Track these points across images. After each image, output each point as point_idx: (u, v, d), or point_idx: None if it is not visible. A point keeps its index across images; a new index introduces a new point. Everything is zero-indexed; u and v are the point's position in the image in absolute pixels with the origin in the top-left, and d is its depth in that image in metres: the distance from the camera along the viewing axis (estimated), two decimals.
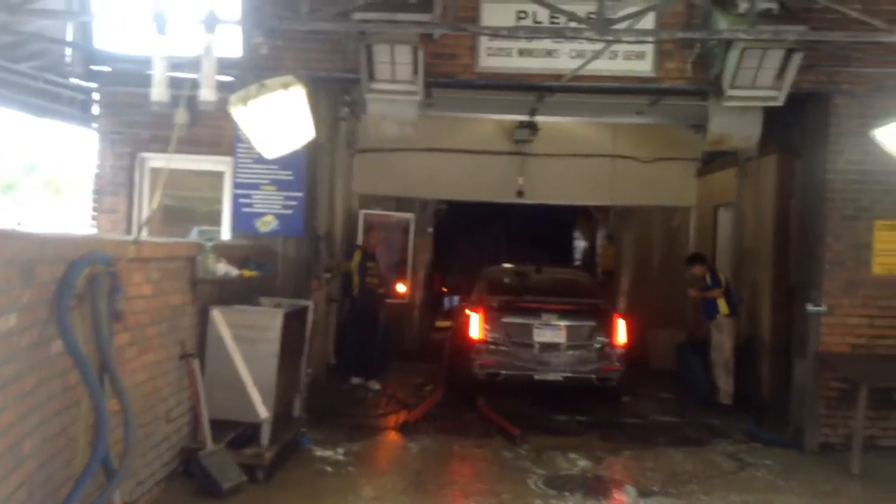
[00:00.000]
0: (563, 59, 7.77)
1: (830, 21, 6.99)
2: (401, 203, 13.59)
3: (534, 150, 12.74)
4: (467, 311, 10.34)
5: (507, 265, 12.60)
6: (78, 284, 4.03)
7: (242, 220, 8.24)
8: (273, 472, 6.49)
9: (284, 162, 7.71)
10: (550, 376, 9.45)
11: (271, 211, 8.23)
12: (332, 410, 8.93)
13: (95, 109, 8.84)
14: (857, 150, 7.84)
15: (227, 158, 8.35)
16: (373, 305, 10.77)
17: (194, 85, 5.39)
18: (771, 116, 8.00)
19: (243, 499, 5.97)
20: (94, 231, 8.57)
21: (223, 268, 6.51)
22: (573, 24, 6.27)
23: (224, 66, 7.11)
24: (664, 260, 14.56)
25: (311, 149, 8.13)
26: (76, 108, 8.70)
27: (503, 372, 9.46)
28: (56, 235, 4.36)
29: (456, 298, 14.70)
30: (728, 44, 7.26)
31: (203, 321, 6.50)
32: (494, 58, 7.85)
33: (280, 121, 5.67)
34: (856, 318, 8.01)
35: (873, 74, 7.71)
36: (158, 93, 5.08)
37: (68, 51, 8.50)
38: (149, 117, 7.82)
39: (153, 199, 6.35)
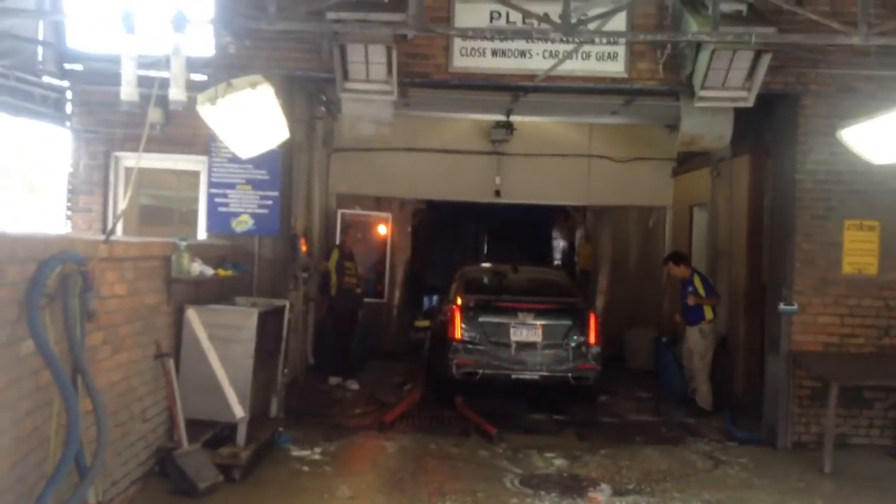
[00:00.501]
0: (537, 59, 7.83)
1: (799, 23, 7.07)
2: (379, 202, 13.62)
3: (511, 150, 12.83)
4: (444, 311, 10.38)
5: (484, 265, 12.66)
6: (49, 284, 4.03)
7: (218, 219, 8.23)
8: (249, 472, 6.48)
9: (260, 161, 7.75)
10: (527, 375, 9.48)
11: (247, 210, 8.22)
12: (310, 410, 8.94)
13: (69, 108, 8.81)
14: (825, 150, 7.96)
15: (203, 158, 8.35)
16: (351, 305, 10.78)
17: (166, 84, 5.39)
18: (743, 116, 8.11)
19: (219, 498, 5.96)
20: (68, 230, 8.53)
21: (198, 267, 6.51)
22: (542, 26, 6.31)
23: (197, 65, 7.16)
24: (641, 259, 14.66)
25: (287, 148, 8.16)
26: (49, 106, 8.64)
27: (480, 371, 9.47)
28: (26, 235, 4.35)
29: (435, 298, 14.72)
30: (699, 45, 7.34)
31: (178, 321, 6.50)
32: (468, 58, 7.90)
33: (250, 120, 5.69)
34: (827, 316, 8.11)
35: (840, 75, 7.84)
36: (127, 92, 5.07)
37: (40, 49, 8.45)
38: (123, 116, 7.79)
39: (121, 199, 6.35)
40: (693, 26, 7.12)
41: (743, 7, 7.23)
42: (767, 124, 8.71)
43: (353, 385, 10.48)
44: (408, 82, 8.14)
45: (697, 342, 9.81)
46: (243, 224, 8.22)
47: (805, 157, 8.08)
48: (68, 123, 8.83)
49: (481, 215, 19.00)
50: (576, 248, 18.77)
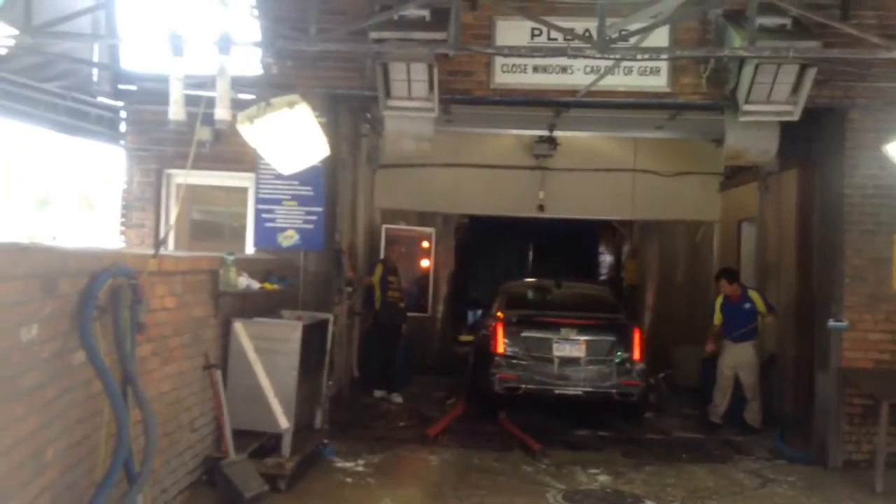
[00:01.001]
0: (578, 75, 7.86)
1: (845, 36, 6.96)
2: (423, 218, 13.72)
3: (554, 165, 12.83)
4: (487, 325, 10.41)
5: (527, 280, 12.65)
6: (100, 296, 4.16)
7: (265, 234, 8.40)
8: (294, 482, 6.59)
9: (305, 178, 7.92)
10: (570, 391, 9.44)
11: (293, 226, 8.37)
12: (355, 422, 9.04)
13: (123, 127, 9.10)
14: (873, 165, 7.83)
15: (250, 174, 8.53)
16: (394, 319, 10.88)
17: (213, 103, 5.55)
18: (791, 130, 8.01)
19: None
20: (121, 245, 8.79)
21: (245, 281, 6.65)
22: (575, 43, 6.35)
23: (244, 84, 7.34)
24: (688, 275, 14.48)
25: (332, 165, 8.32)
26: (104, 126, 8.94)
27: (523, 386, 9.47)
28: (78, 249, 4.50)
29: (479, 312, 14.75)
30: (743, 59, 7.29)
31: (226, 333, 6.63)
32: (509, 74, 7.96)
33: (288, 138, 5.82)
34: (878, 333, 7.95)
35: (888, 89, 7.70)
36: (175, 112, 5.24)
37: (94, 70, 8.76)
38: (174, 134, 8.02)
39: (172, 214, 6.53)
40: (736, 41, 7.05)
41: (787, 21, 7.16)
42: (815, 138, 8.58)
43: (397, 398, 10.56)
44: (449, 99, 8.23)
45: (753, 358, 9.69)
46: (289, 239, 8.38)
47: (853, 171, 7.95)
48: (122, 142, 9.11)
49: (526, 230, 18.98)
50: (623, 263, 18.65)
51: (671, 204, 13.13)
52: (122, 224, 9.05)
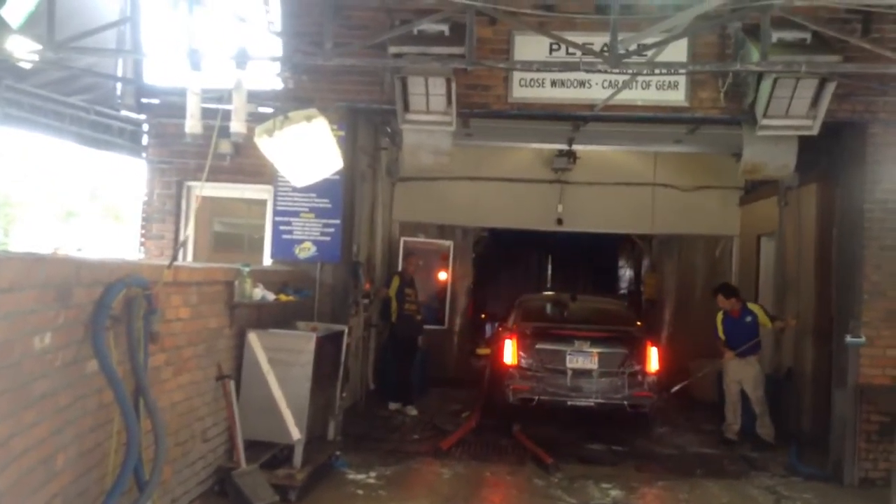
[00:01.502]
0: (596, 89, 7.87)
1: (866, 51, 6.90)
2: (442, 230, 13.75)
3: (573, 179, 12.85)
4: (502, 338, 10.42)
5: (543, 293, 12.64)
6: (114, 306, 4.23)
7: (282, 246, 8.47)
8: (305, 493, 6.60)
9: (322, 190, 7.98)
10: (582, 402, 9.49)
11: (310, 238, 8.43)
12: (369, 435, 9.05)
13: (145, 140, 9.23)
14: (895, 180, 7.74)
15: (269, 187, 8.61)
16: (410, 332, 10.89)
17: (231, 116, 5.63)
18: (811, 145, 7.96)
19: None
20: (141, 256, 8.90)
21: (260, 292, 6.71)
22: (587, 58, 6.37)
23: (263, 98, 7.42)
24: (707, 290, 14.35)
25: (349, 177, 8.37)
26: (126, 138, 9.08)
27: (536, 397, 9.52)
28: (93, 260, 4.57)
29: (496, 325, 14.72)
30: (761, 73, 7.27)
31: (240, 344, 6.69)
32: (527, 88, 7.98)
33: (305, 151, 5.88)
34: None
35: None
36: (191, 125, 5.33)
37: (118, 84, 8.91)
38: (194, 147, 8.06)
39: (190, 226, 6.61)
40: (755, 55, 7.02)
41: (807, 35, 7.13)
42: (836, 153, 8.51)
43: (412, 411, 10.55)
44: (467, 113, 8.27)
45: (759, 373, 9.65)
46: (306, 251, 8.44)
47: (874, 186, 7.87)
48: (144, 154, 9.25)
49: (545, 243, 18.95)
50: (642, 278, 18.53)
51: (691, 218, 13.09)
52: (143, 235, 9.18)
